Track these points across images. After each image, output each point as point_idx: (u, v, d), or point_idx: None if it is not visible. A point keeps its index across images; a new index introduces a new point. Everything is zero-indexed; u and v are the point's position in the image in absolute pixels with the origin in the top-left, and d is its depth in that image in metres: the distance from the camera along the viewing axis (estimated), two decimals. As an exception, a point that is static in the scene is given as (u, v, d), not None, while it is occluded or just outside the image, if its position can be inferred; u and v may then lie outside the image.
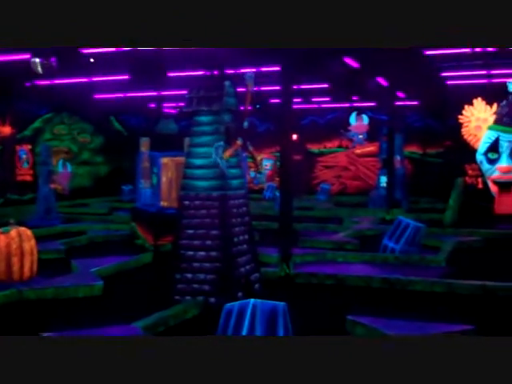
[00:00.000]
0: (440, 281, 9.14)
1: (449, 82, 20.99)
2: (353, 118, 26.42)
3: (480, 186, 21.10)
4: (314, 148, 27.29)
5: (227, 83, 8.43)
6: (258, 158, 27.00)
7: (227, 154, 8.21)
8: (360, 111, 26.19)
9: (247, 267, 8.42)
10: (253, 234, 8.80)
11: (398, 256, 11.21)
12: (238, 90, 9.01)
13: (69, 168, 23.82)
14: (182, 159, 10.17)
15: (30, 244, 9.28)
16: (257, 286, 8.55)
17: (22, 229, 9.34)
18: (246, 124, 8.58)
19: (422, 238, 11.85)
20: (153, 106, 24.61)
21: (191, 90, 8.59)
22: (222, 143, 8.20)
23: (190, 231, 8.29)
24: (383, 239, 11.87)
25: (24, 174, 22.82)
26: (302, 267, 10.24)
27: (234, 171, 8.57)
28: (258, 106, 23.71)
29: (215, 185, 8.27)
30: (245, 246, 8.46)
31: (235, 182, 8.55)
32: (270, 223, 15.56)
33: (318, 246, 12.73)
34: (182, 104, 10.30)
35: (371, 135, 25.75)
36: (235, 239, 8.25)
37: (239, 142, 8.34)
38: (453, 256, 11.60)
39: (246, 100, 8.38)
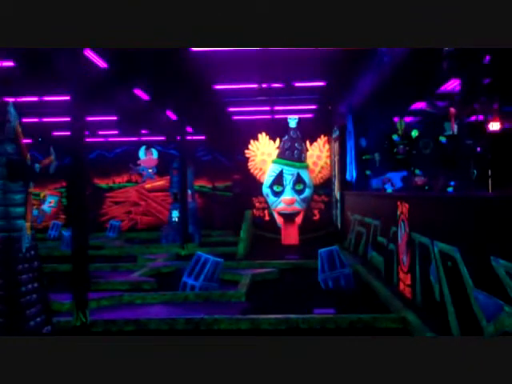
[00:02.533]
0: (244, 317, 8.90)
1: (235, 118, 21.60)
2: (142, 152, 25.90)
3: (267, 217, 21.91)
4: (103, 183, 26.19)
5: (11, 108, 7.42)
6: (41, 195, 25.17)
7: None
8: (149, 145, 25.78)
9: (38, 320, 7.33)
10: (43, 281, 7.75)
11: (199, 293, 10.82)
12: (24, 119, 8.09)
13: None
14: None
15: None
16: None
17: None
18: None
19: (221, 272, 11.65)
20: None
21: None
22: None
23: None
24: (183, 276, 11.42)
25: None
26: (97, 313, 9.33)
27: (19, 210, 7.53)
28: (39, 139, 22.14)
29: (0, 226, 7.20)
30: (34, 295, 7.38)
31: (20, 223, 7.49)
32: (57, 265, 14.42)
33: (113, 287, 11.88)
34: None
35: (161, 169, 25.43)
36: (23, 288, 7.16)
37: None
38: (251, 289, 11.55)
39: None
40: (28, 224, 7.64)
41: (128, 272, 14.07)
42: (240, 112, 20.58)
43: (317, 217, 22.28)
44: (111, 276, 13.41)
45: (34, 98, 15.77)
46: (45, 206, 25.33)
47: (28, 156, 7.84)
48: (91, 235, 22.18)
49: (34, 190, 20.34)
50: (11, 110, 7.39)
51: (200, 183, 24.80)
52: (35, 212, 24.51)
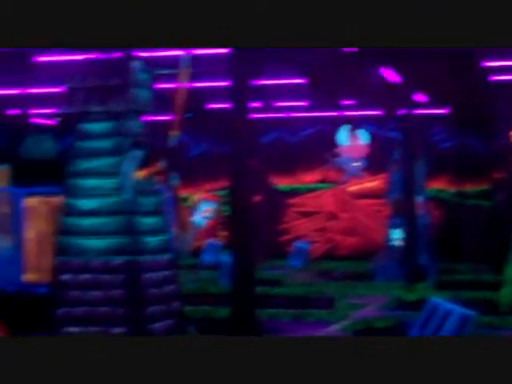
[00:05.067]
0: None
1: (497, 78, 20.80)
2: (343, 135, 26.05)
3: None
4: (283, 183, 26.74)
5: (137, 64, 7.76)
6: (192, 199, 26.27)
7: (143, 173, 7.53)
8: (355, 124, 25.86)
9: None
10: (185, 329, 8.03)
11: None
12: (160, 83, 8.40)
13: None
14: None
15: None
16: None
17: None
18: (173, 141, 8.02)
19: (473, 334, 11.16)
20: (14, 112, 23.70)
21: (73, 77, 7.95)
22: (139, 152, 7.56)
23: (75, 329, 7.59)
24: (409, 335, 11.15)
25: None
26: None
27: (150, 221, 7.87)
28: (189, 115, 23.09)
29: (119, 244, 7.59)
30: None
31: (153, 241, 7.84)
32: (213, 308, 14.84)
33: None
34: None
35: (374, 163, 25.38)
36: None
37: (161, 164, 7.68)
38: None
39: (177, 99, 7.81)
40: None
41: (320, 324, 14.17)
42: (507, 68, 19.79)
43: None
44: (293, 329, 13.55)
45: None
46: (197, 217, 26.38)
47: (175, 133, 8.10)
48: (265, 263, 22.66)
49: (181, 193, 21.22)
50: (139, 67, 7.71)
51: (437, 185, 24.32)
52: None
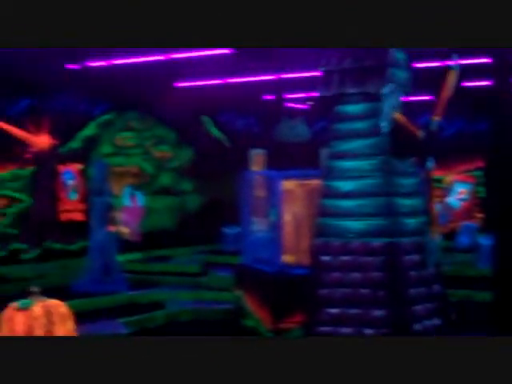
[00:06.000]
0: None
1: None
2: None
3: None
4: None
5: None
6: (446, 180, 25.88)
7: (400, 116, 7.63)
8: None
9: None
10: (449, 317, 7.94)
11: None
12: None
13: (140, 200, 23.85)
14: (317, 183, 9.92)
15: (65, 328, 8.91)
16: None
17: (53, 303, 8.96)
18: (435, 124, 8.00)
19: None
20: (270, 97, 24.23)
21: (328, 60, 8.08)
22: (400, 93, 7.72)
23: (335, 310, 7.74)
24: None
25: (71, 209, 23.04)
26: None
27: (409, 202, 7.85)
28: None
29: (378, 226, 7.68)
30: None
31: (412, 223, 7.79)
32: (471, 292, 14.67)
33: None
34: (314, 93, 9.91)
35: None
36: (416, 326, 7.41)
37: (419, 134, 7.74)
38: None
39: (445, 89, 7.86)
40: (436, 228, 7.85)
41: None
42: None
43: None
44: None
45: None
46: (451, 199, 25.96)
47: (437, 118, 8.07)
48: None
49: (435, 174, 20.96)
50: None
51: None
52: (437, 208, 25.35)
